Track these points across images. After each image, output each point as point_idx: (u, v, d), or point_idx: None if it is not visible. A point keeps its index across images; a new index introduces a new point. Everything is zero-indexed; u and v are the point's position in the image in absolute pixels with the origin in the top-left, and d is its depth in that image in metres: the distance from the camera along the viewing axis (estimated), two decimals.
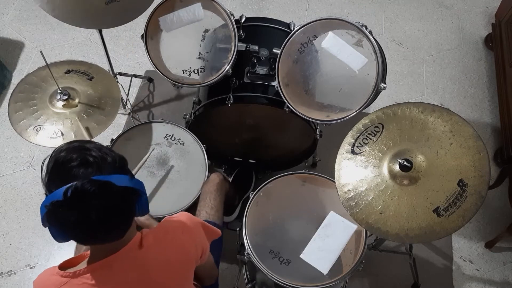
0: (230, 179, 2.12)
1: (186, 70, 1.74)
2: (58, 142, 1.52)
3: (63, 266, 1.03)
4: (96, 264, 0.98)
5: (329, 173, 1.54)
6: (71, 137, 1.54)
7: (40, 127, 1.54)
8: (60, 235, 0.92)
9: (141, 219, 1.43)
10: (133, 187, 0.94)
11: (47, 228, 0.91)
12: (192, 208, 1.65)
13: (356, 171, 1.38)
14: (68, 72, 1.66)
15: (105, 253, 0.99)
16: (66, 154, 0.91)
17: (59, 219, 0.88)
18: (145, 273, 1.03)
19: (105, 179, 0.88)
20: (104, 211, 0.88)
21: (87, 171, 0.89)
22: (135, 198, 0.96)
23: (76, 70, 1.67)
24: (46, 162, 0.94)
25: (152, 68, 1.72)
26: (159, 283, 1.06)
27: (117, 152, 0.99)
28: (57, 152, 0.93)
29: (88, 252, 1.03)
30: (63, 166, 0.90)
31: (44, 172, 0.93)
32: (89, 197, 0.86)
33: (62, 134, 1.54)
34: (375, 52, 1.54)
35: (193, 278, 1.19)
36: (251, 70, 1.72)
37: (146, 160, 1.69)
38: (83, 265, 1.01)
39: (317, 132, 1.82)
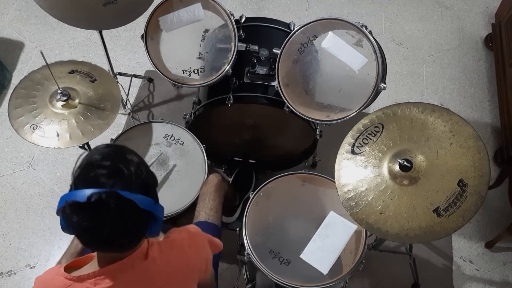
0: (230, 179, 2.12)
1: (186, 70, 1.74)
2: (53, 142, 1.51)
3: (69, 267, 1.03)
4: (101, 271, 0.98)
5: (329, 173, 1.54)
6: (66, 138, 1.52)
7: (36, 126, 1.53)
8: (68, 230, 0.93)
9: None
10: (153, 212, 0.94)
11: (57, 218, 0.92)
12: (191, 209, 1.64)
13: (356, 171, 1.38)
14: (72, 72, 1.66)
15: (111, 259, 0.99)
16: (101, 160, 0.90)
17: (72, 219, 0.89)
18: (148, 285, 1.03)
19: (130, 197, 0.88)
20: (117, 226, 0.89)
21: (116, 183, 0.88)
22: (151, 222, 0.95)
23: (79, 70, 1.67)
24: (83, 156, 0.93)
25: (152, 68, 1.72)
26: None
27: (152, 172, 0.98)
28: (94, 152, 0.92)
29: (95, 253, 1.03)
30: (94, 170, 0.89)
31: (77, 165, 0.93)
32: (109, 210, 0.87)
33: (58, 135, 1.52)
34: (375, 52, 1.54)
35: None
36: (251, 70, 1.72)
37: (153, 162, 1.72)
38: (88, 268, 1.01)
39: (317, 132, 1.82)
